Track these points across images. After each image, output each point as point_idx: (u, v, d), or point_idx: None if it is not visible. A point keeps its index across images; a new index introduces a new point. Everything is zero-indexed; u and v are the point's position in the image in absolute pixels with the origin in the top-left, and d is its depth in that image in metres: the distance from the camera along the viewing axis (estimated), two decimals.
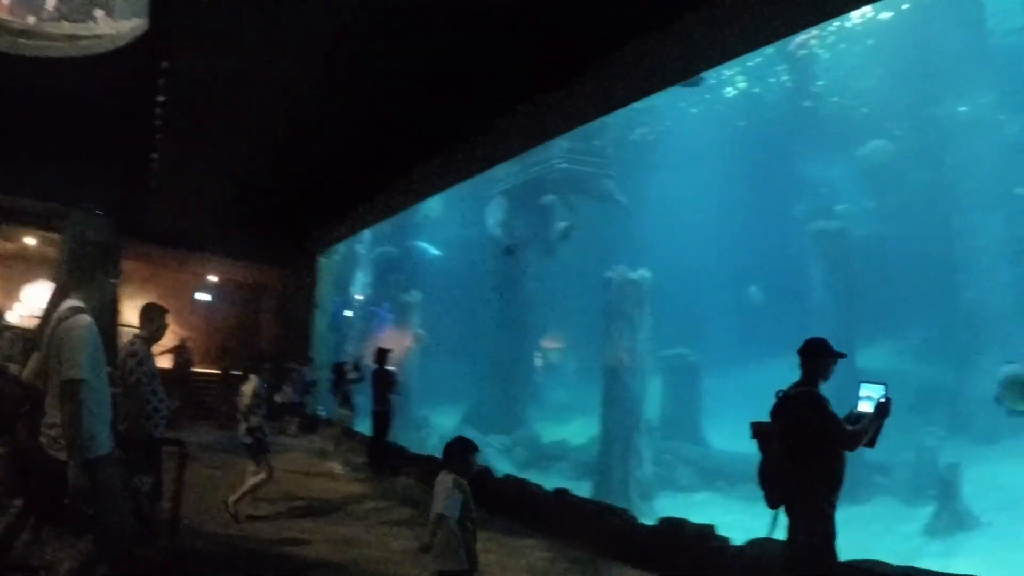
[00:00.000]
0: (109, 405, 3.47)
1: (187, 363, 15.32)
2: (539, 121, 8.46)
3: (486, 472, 10.00)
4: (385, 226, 21.46)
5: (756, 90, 30.51)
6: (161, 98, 9.75)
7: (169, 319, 5.42)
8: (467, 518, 4.22)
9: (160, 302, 5.47)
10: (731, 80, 30.06)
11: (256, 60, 7.59)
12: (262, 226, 15.48)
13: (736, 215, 30.05)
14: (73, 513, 3.13)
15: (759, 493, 4.24)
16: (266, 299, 19.24)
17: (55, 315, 3.38)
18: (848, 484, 4.08)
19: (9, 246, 16.82)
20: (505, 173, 28.77)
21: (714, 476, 20.37)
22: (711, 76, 26.14)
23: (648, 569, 6.24)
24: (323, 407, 15.57)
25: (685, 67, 6.99)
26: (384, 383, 11.80)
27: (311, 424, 14.95)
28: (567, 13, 6.10)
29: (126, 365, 4.92)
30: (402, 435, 18.76)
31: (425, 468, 11.61)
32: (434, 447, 21.85)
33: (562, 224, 27.06)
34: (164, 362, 13.12)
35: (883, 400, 4.17)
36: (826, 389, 4.16)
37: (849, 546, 4.24)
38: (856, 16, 23.48)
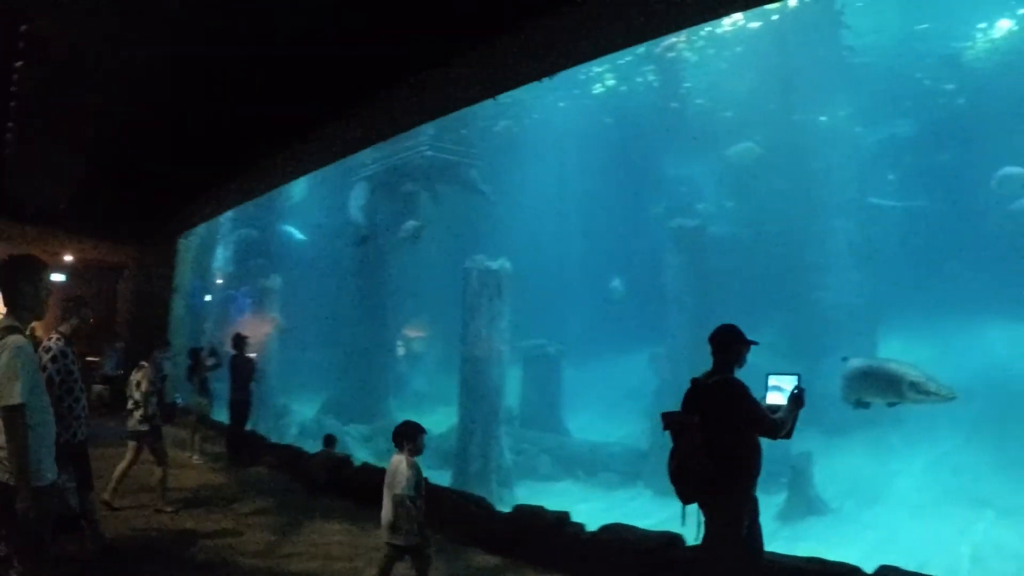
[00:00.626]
0: (52, 424, 3.51)
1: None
2: (389, 112, 8.50)
3: (345, 461, 10.33)
4: (249, 207, 20.66)
5: (624, 88, 30.31)
6: (18, 63, 9.20)
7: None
8: (419, 496, 4.76)
9: None
10: (600, 77, 29.80)
11: (114, 28, 7.32)
12: (121, 205, 14.72)
13: (600, 209, 30.45)
14: (20, 538, 3.19)
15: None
16: (123, 281, 18.34)
17: None
18: None
19: None
20: (371, 158, 28.36)
21: (573, 465, 20.76)
22: (580, 72, 26.09)
23: (506, 555, 6.48)
24: (179, 395, 15.15)
25: (534, 70, 6.99)
26: (243, 370, 11.68)
27: (167, 413, 14.48)
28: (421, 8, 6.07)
29: (39, 360, 4.84)
30: (261, 424, 18.48)
31: (283, 457, 11.70)
32: (294, 436, 21.65)
33: (412, 223, 26.64)
34: None
35: (797, 391, 4.17)
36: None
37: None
38: (727, 23, 23.68)
